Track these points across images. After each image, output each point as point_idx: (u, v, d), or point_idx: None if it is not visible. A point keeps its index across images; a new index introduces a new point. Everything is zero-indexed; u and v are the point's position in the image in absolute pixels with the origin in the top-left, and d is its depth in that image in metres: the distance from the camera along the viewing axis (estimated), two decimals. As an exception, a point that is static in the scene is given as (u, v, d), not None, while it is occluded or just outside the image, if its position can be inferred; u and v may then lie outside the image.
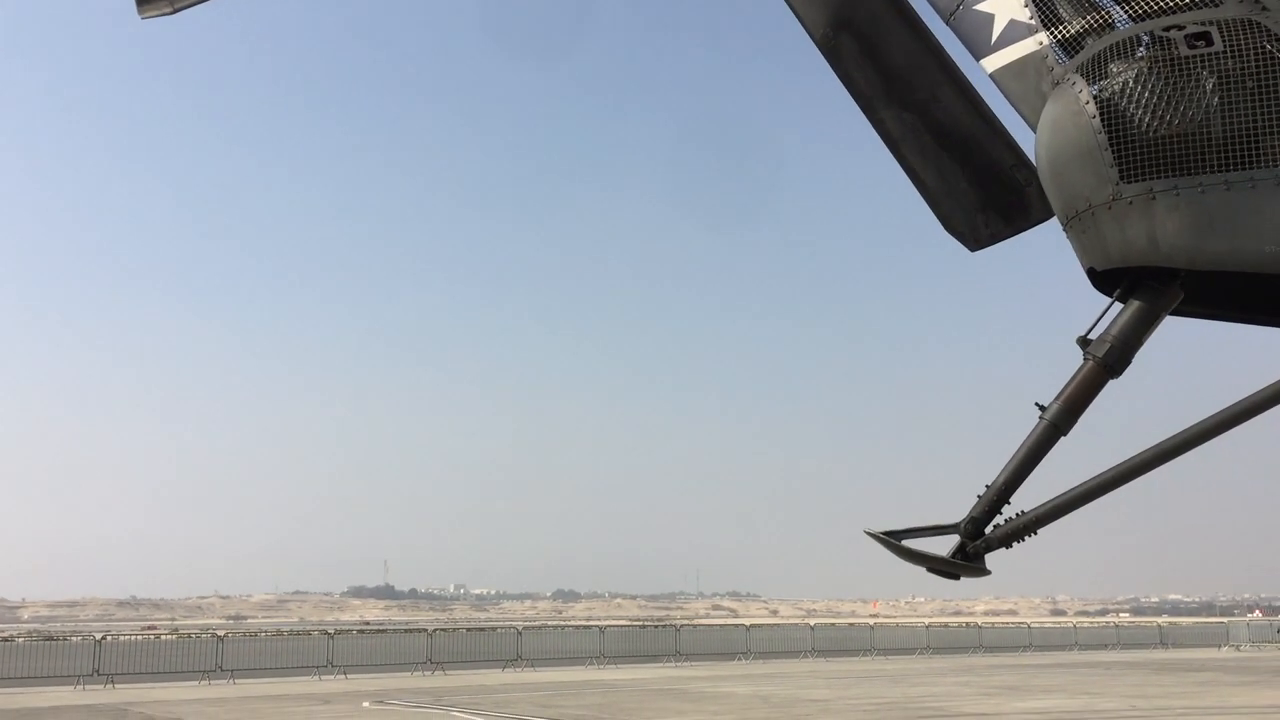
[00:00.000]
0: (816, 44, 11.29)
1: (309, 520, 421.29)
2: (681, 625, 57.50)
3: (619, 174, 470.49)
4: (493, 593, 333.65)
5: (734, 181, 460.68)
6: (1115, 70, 8.33)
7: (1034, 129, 9.06)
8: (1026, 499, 9.04)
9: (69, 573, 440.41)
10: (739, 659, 47.19)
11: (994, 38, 9.47)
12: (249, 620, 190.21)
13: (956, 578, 9.40)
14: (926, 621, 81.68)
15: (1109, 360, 8.72)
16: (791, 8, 11.46)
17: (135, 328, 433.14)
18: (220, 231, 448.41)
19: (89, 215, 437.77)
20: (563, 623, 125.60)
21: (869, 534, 9.29)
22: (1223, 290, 9.15)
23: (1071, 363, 8.94)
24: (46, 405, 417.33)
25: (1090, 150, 8.30)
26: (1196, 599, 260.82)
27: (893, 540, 9.18)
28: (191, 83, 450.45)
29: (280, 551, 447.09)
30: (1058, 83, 8.77)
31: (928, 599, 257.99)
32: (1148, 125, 8.07)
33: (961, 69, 10.74)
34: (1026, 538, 9.07)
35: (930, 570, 9.29)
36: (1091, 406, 8.92)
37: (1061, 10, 9.05)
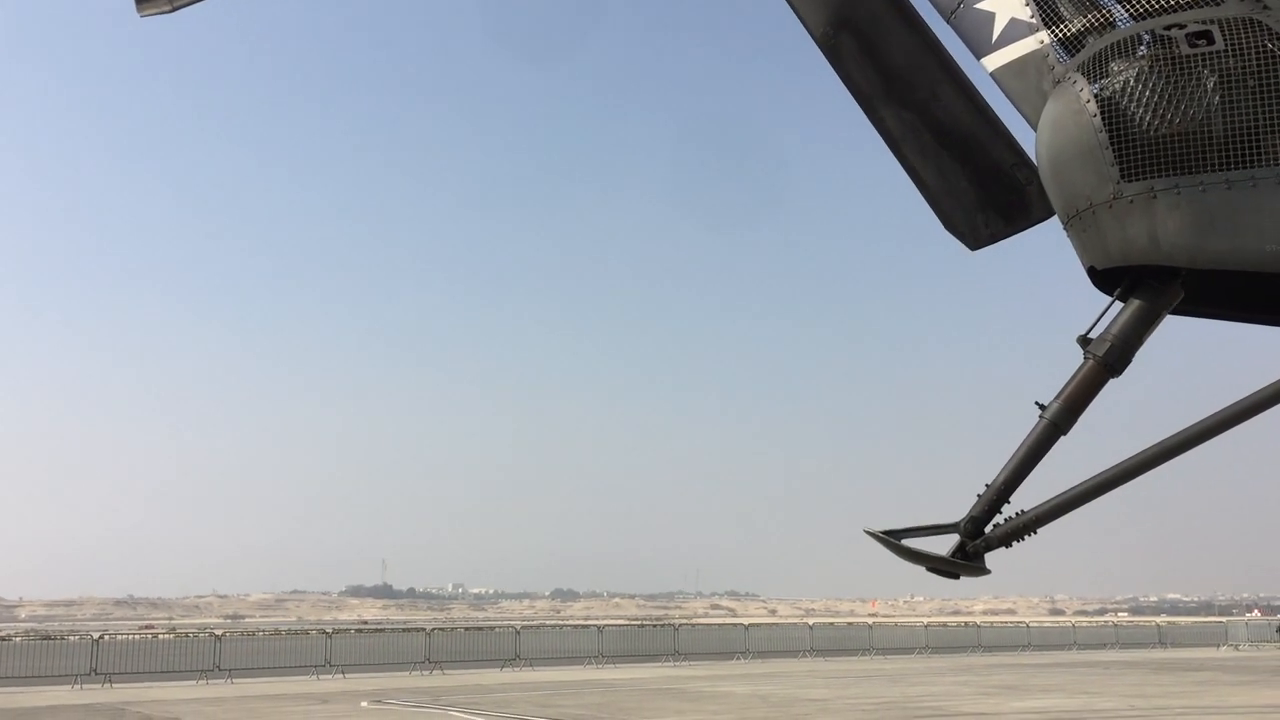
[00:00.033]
0: (817, 43, 11.28)
1: (307, 519, 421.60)
2: (680, 625, 57.46)
3: (619, 174, 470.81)
4: (491, 592, 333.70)
5: (734, 181, 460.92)
6: (1116, 69, 8.32)
7: (1035, 128, 9.06)
8: (1026, 498, 9.04)
9: (66, 572, 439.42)
10: (737, 658, 47.17)
11: (995, 36, 9.46)
12: (247, 619, 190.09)
13: (956, 577, 9.40)
14: (925, 621, 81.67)
15: (1109, 359, 8.71)
16: (792, 7, 11.44)
17: (134, 327, 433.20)
18: (219, 231, 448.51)
19: (88, 215, 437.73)
20: (561, 622, 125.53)
21: (868, 533, 9.28)
22: (1223, 289, 9.14)
23: (1072, 362, 8.94)
24: (44, 404, 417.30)
25: (1091, 149, 8.29)
26: (1195, 598, 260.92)
27: (892, 540, 9.17)
28: (191, 82, 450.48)
29: (278, 551, 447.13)
30: (1059, 81, 8.76)
31: (926, 598, 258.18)
32: (1149, 124, 8.06)
33: (962, 68, 10.74)
34: (1026, 537, 9.06)
35: (930, 569, 9.28)
36: (1092, 406, 8.91)
37: (1062, 9, 9.04)
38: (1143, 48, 8.35)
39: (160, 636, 45.32)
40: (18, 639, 40.32)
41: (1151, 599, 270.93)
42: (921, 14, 10.83)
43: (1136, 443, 8.81)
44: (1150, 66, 8.14)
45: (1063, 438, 8.98)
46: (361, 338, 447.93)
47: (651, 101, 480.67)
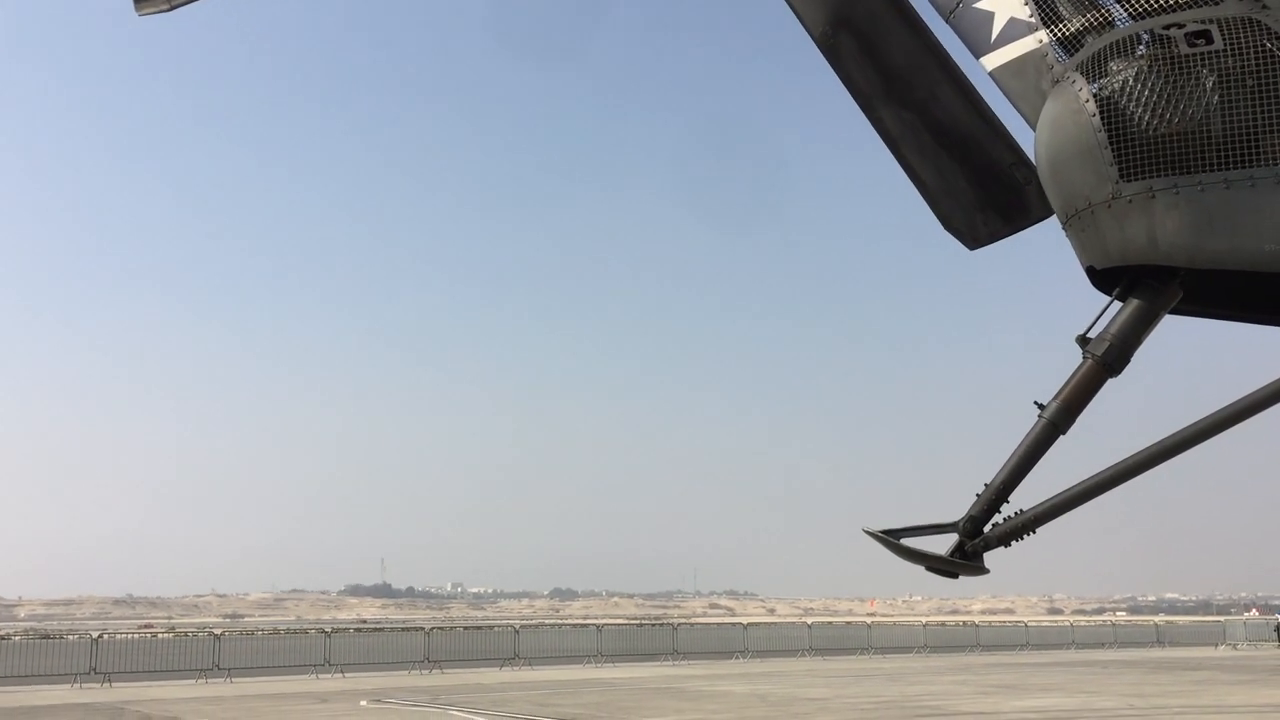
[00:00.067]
0: (816, 42, 11.27)
1: (306, 519, 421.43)
2: (679, 624, 57.49)
3: (619, 174, 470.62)
4: (490, 591, 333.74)
5: (733, 181, 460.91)
6: (1115, 68, 8.32)
7: (1034, 127, 9.06)
8: (1025, 498, 9.04)
9: (65, 571, 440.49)
10: (736, 657, 47.19)
11: (994, 36, 9.46)
12: (246, 619, 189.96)
13: (955, 576, 9.39)
14: (924, 620, 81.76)
15: (1108, 359, 8.71)
16: (791, 6, 11.44)
17: (133, 327, 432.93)
18: (219, 231, 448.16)
19: (88, 215, 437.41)
20: (560, 621, 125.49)
21: (867, 532, 9.28)
22: (1222, 289, 9.14)
23: (1070, 361, 8.94)
24: (44, 404, 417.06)
25: (1090, 149, 8.30)
26: (1193, 598, 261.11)
27: (891, 539, 9.17)
28: (191, 82, 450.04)
29: (277, 550, 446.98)
30: (1057, 81, 8.77)
31: (925, 598, 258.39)
32: (1147, 124, 8.07)
33: (961, 67, 10.74)
34: (1025, 536, 9.06)
35: (929, 569, 9.27)
36: (1091, 405, 8.91)
37: (1061, 8, 9.04)
38: (1142, 47, 8.35)
39: (159, 636, 45.30)
40: (17, 638, 40.32)
41: (1150, 598, 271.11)
42: (921, 13, 10.83)
43: (1135, 442, 8.83)
44: (1149, 66, 8.15)
45: (1061, 437, 8.99)
46: (361, 337, 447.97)
47: (652, 102, 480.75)
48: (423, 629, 45.28)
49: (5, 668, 33.70)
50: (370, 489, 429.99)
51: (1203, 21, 8.08)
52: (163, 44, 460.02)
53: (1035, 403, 9.00)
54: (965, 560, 9.11)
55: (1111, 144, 8.18)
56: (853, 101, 11.23)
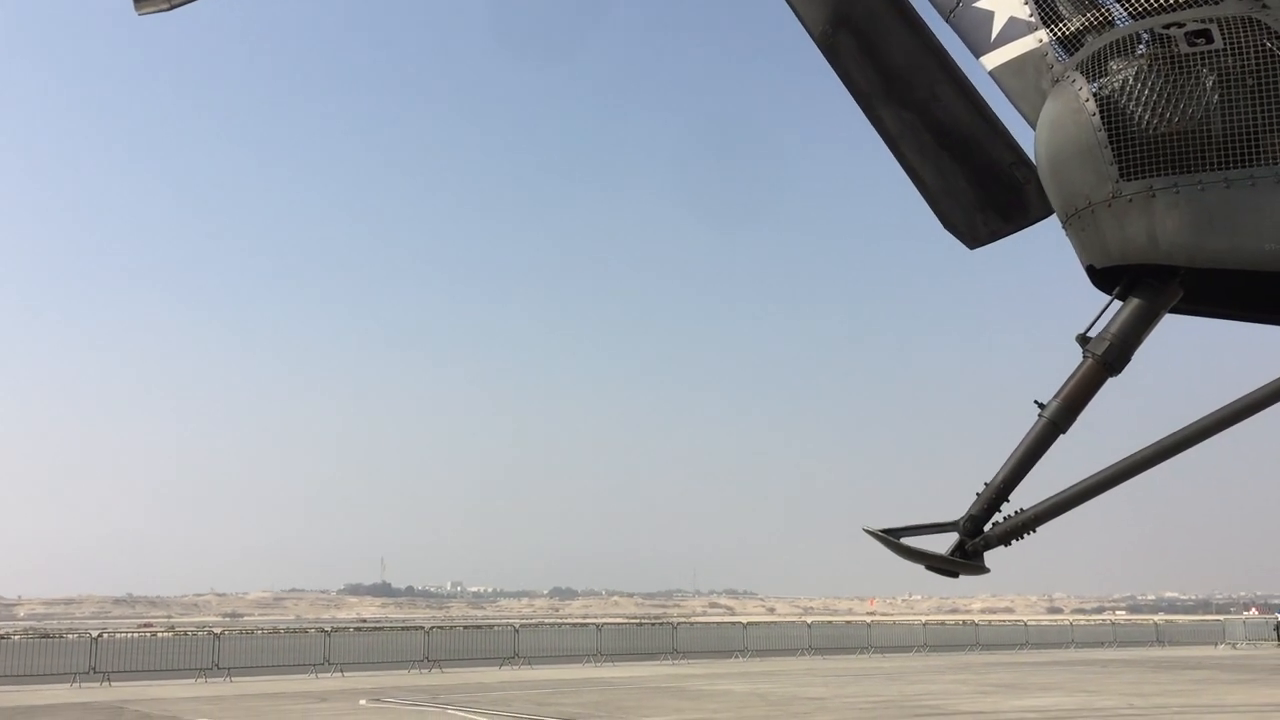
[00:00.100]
0: (815, 42, 11.26)
1: (306, 518, 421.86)
2: (678, 623, 57.49)
3: (619, 174, 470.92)
4: (489, 590, 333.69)
5: (733, 181, 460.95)
6: (1115, 68, 8.32)
7: (1033, 127, 9.05)
8: (1025, 497, 9.04)
9: (65, 570, 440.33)
10: (736, 657, 47.19)
11: (993, 35, 9.46)
12: (245, 618, 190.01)
13: (955, 575, 9.38)
14: (923, 619, 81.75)
15: (1108, 358, 8.71)
16: (790, 6, 11.43)
17: (133, 326, 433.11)
18: (219, 230, 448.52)
19: (87, 214, 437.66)
20: (559, 620, 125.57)
21: (867, 531, 9.27)
22: (1222, 288, 9.13)
23: (1071, 360, 8.94)
24: (43, 404, 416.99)
25: (1090, 148, 8.29)
26: (1193, 597, 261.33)
27: (891, 538, 9.16)
28: (191, 81, 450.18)
29: (277, 549, 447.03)
30: (1057, 80, 8.76)
31: (924, 597, 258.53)
32: (1148, 123, 8.06)
33: (961, 66, 10.73)
34: (1025, 535, 9.06)
35: (929, 568, 9.26)
36: (1091, 404, 8.91)
37: (1061, 7, 9.03)
38: (1142, 46, 8.35)
39: (159, 635, 45.28)
40: (17, 637, 40.31)
41: (1149, 597, 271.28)
42: (920, 13, 10.83)
43: (1135, 441, 8.83)
44: (1149, 65, 8.14)
45: (1062, 436, 8.98)
46: (361, 337, 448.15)
47: (652, 101, 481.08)
48: (422, 628, 45.29)
49: (5, 667, 33.71)
50: (370, 488, 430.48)
51: (1203, 21, 8.07)
52: (163, 43, 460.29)
53: (1035, 402, 9.00)
54: (965, 559, 9.10)
55: (1111, 143, 8.18)
56: (852, 101, 11.23)
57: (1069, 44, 8.88)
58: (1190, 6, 8.25)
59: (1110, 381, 8.85)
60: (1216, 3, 8.18)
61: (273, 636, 46.78)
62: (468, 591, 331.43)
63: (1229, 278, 8.59)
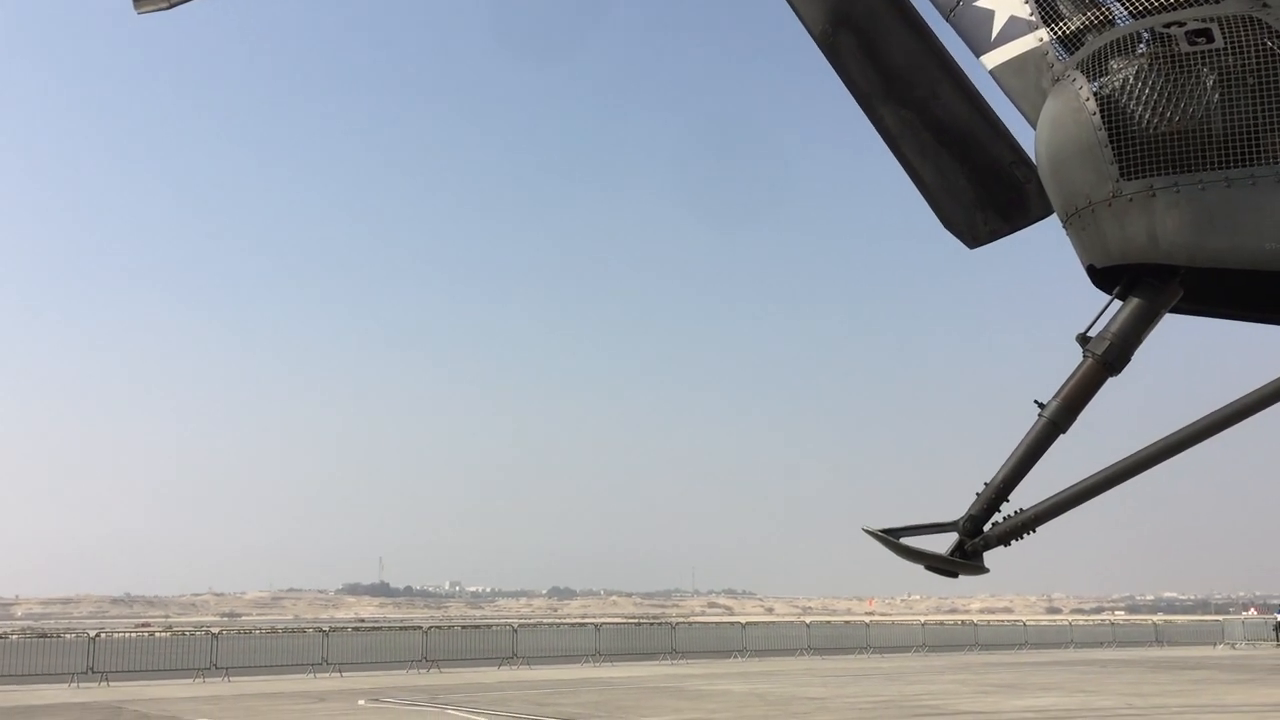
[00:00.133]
0: (815, 41, 11.26)
1: (304, 517, 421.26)
2: (677, 623, 57.49)
3: (619, 173, 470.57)
4: (488, 590, 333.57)
5: (733, 180, 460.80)
6: (1116, 67, 8.31)
7: (1034, 126, 9.04)
8: (1025, 496, 9.03)
9: (63, 570, 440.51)
10: (735, 656, 47.18)
11: (994, 34, 9.45)
12: (243, 618, 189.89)
13: (955, 575, 9.38)
14: (922, 619, 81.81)
15: (1108, 358, 8.70)
16: (791, 5, 11.42)
17: (132, 326, 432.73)
18: (218, 230, 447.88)
19: (87, 213, 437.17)
20: (558, 620, 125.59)
21: (867, 531, 9.26)
22: (1223, 288, 9.13)
23: (1071, 360, 8.93)
24: (42, 403, 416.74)
25: (1090, 147, 8.28)
26: (1192, 597, 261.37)
27: (891, 538, 9.15)
28: (190, 81, 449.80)
29: (275, 549, 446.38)
30: (1058, 79, 8.75)
31: (923, 596, 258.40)
32: (1148, 122, 8.06)
33: (961, 66, 10.73)
34: (1025, 535, 9.05)
35: (929, 568, 9.25)
36: (1091, 404, 8.90)
37: (1062, 7, 9.03)
38: (1142, 45, 8.34)
39: (157, 635, 45.28)
40: (14, 637, 40.29)
41: (1148, 597, 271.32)
42: (921, 12, 10.83)
43: (1135, 441, 8.82)
44: (1150, 64, 8.14)
45: (1061, 436, 8.98)
46: (360, 337, 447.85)
47: (652, 101, 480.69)
48: (420, 628, 45.28)
49: (3, 667, 33.70)
50: (368, 488, 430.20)
51: (1203, 20, 8.07)
52: (162, 43, 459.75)
53: (1035, 401, 8.99)
54: (965, 559, 9.09)
55: (1112, 142, 8.17)
56: (853, 100, 11.22)
57: (1069, 43, 8.88)
58: (1191, 5, 8.24)
59: (1110, 381, 8.85)
60: (1217, 2, 8.18)
61: (271, 636, 46.76)
62: (466, 591, 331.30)
63: (1229, 277, 8.58)
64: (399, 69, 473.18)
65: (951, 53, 10.71)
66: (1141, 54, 8.26)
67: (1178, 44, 8.06)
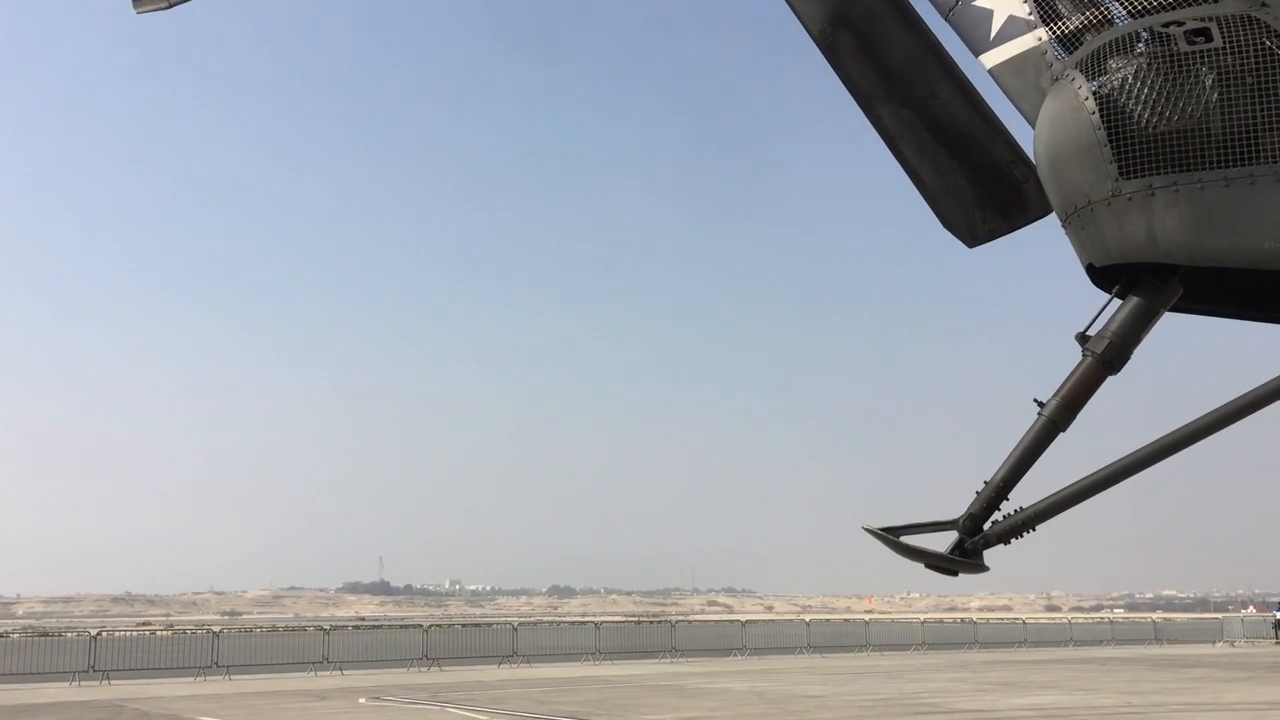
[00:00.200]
0: (814, 40, 11.26)
1: (304, 516, 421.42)
2: (677, 621, 57.50)
3: (618, 171, 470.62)
4: (488, 589, 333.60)
5: (733, 180, 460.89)
6: (1114, 66, 8.32)
7: (1033, 125, 9.05)
8: (1025, 495, 9.05)
9: (64, 569, 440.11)
10: (734, 655, 47.19)
11: (993, 34, 9.46)
12: (244, 616, 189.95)
13: (955, 574, 9.39)
14: (921, 617, 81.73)
15: (1107, 357, 8.71)
16: (789, 4, 11.43)
17: (131, 326, 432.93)
18: (218, 229, 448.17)
19: (87, 212, 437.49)
20: (558, 619, 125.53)
21: (867, 530, 9.27)
22: (1222, 287, 9.14)
23: (1070, 359, 8.95)
24: (42, 403, 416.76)
25: (1089, 146, 8.30)
26: (1191, 595, 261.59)
27: (890, 536, 9.16)
28: (190, 81, 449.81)
29: (275, 547, 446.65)
30: (1057, 79, 8.76)
31: (922, 595, 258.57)
32: (1147, 121, 8.07)
33: (960, 65, 10.74)
34: (1025, 534, 9.07)
35: (928, 566, 9.27)
36: (1090, 403, 8.92)
37: (1061, 6, 9.04)
38: (1141, 45, 8.35)
39: (158, 633, 45.33)
40: (15, 636, 40.33)
41: (1147, 595, 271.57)
42: (920, 11, 10.83)
43: (1134, 440, 8.84)
44: (1148, 64, 8.15)
45: (1061, 435, 8.99)
46: (359, 336, 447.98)
47: (651, 99, 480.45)
48: (421, 626, 45.28)
49: (4, 665, 33.73)
50: (368, 486, 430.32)
51: (1202, 19, 8.08)
52: (162, 43, 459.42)
53: (1035, 400, 9.01)
54: (965, 558, 9.11)
55: (1111, 142, 8.18)
56: (851, 99, 11.22)
57: (1068, 42, 8.89)
58: (1190, 5, 8.25)
59: (1110, 380, 8.86)
60: (1215, 1, 8.18)
61: (271, 635, 46.82)
62: (466, 590, 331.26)
63: (1229, 276, 8.59)
64: (396, 66, 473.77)
65: (950, 52, 10.73)
66: (1140, 53, 8.27)
67: (1177, 43, 8.07)
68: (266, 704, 26.71)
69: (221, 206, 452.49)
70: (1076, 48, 8.77)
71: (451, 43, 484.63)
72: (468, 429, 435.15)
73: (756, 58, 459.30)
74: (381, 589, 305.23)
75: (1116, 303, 8.83)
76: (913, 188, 11.18)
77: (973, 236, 11.13)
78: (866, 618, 71.51)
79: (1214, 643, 61.67)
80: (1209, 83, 7.92)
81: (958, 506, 9.18)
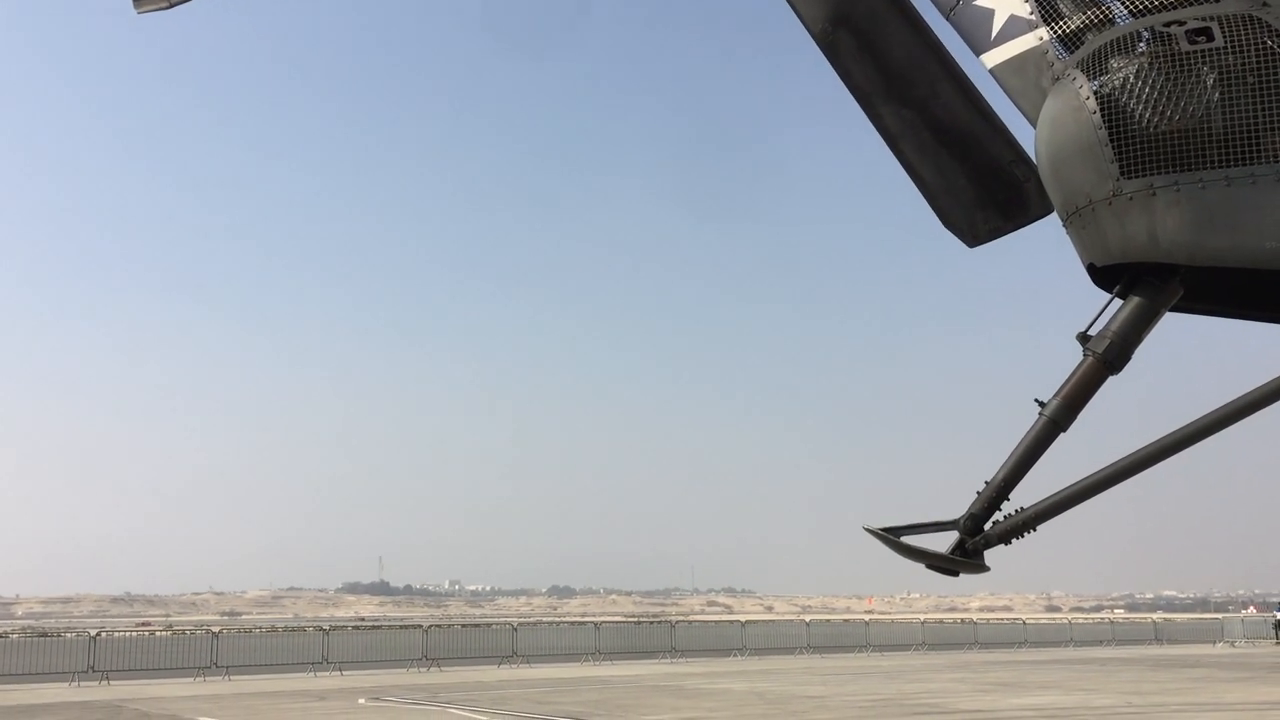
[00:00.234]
0: (815, 40, 11.25)
1: (304, 516, 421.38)
2: (677, 621, 57.49)
3: (618, 171, 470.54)
4: (488, 589, 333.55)
5: (733, 179, 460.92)
6: (1116, 66, 8.32)
7: (1034, 125, 9.05)
8: (1026, 495, 9.04)
9: (63, 569, 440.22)
10: (734, 655, 47.16)
11: (994, 33, 9.46)
12: (244, 616, 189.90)
13: (955, 574, 9.38)
14: (921, 617, 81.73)
15: (1108, 356, 8.71)
16: (790, 3, 11.42)
17: (131, 325, 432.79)
18: (217, 229, 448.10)
19: (86, 212, 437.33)
20: (558, 619, 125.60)
21: (867, 530, 9.26)
22: (1223, 286, 9.13)
23: (1071, 359, 8.95)
24: (42, 403, 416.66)
25: (1090, 146, 8.29)
26: (1191, 595, 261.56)
27: (891, 537, 9.15)
28: (189, 80, 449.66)
29: (275, 548, 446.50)
30: (1058, 78, 8.76)
31: (922, 595, 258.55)
32: (1148, 121, 8.07)
33: (961, 65, 10.73)
34: (1026, 534, 9.06)
35: (929, 567, 9.26)
36: (1091, 403, 8.91)
37: (1062, 5, 9.04)
38: (1142, 44, 8.35)
39: (157, 634, 45.27)
40: (15, 636, 40.30)
41: (1148, 596, 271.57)
42: (921, 11, 10.83)
43: (1135, 440, 8.83)
44: (1150, 63, 8.14)
45: (1062, 435, 8.98)
46: (359, 335, 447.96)
47: (649, 98, 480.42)
48: (421, 627, 45.25)
49: (3, 666, 33.69)
50: (368, 486, 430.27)
51: (1203, 19, 8.08)
52: (163, 42, 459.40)
53: (1036, 400, 9.00)
54: (966, 558, 9.10)
55: (1112, 141, 8.18)
56: (852, 99, 11.21)
57: (1069, 42, 8.89)
58: (1191, 4, 8.25)
59: (1111, 380, 8.86)
60: (1217, 1, 8.18)
61: (271, 635, 46.77)
62: (466, 590, 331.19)
63: (1229, 276, 8.59)
64: (396, 66, 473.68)
65: (951, 52, 10.72)
66: (1141, 53, 8.27)
67: (1178, 43, 8.07)
68: (266, 704, 26.69)
69: (221, 206, 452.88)
70: (1078, 47, 8.77)
71: (451, 42, 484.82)
72: (468, 429, 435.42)
73: (756, 58, 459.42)
74: (381, 589, 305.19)
75: (1117, 302, 8.83)
76: (913, 187, 11.18)
77: (973, 236, 11.12)
78: (866, 618, 71.49)
79: (1214, 643, 61.65)
80: (1210, 82, 7.92)
81: (958, 506, 9.18)
